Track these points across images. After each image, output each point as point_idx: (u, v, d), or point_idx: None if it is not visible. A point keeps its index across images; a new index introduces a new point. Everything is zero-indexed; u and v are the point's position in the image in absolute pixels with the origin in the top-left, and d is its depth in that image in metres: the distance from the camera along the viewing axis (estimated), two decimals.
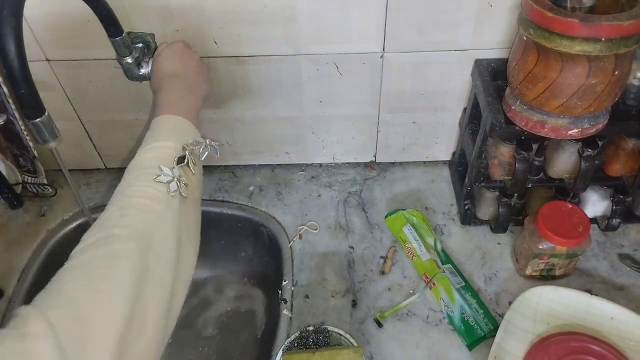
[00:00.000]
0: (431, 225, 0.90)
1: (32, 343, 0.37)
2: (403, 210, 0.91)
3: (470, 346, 0.74)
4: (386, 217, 0.92)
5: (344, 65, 0.84)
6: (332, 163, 1.02)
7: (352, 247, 0.88)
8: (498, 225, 0.86)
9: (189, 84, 0.69)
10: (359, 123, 0.94)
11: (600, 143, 0.75)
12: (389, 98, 0.89)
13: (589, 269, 0.84)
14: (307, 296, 0.82)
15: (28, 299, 0.85)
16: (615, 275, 0.83)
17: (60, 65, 0.84)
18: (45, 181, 0.97)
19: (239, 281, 1.02)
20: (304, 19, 0.77)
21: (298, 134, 0.96)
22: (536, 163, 0.78)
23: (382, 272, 0.84)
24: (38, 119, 0.52)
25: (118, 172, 1.03)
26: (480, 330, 0.75)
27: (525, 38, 0.67)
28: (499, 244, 0.88)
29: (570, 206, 0.78)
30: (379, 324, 0.78)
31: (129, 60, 0.73)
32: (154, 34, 0.78)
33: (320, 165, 1.03)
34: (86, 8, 0.63)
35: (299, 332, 0.75)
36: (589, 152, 0.74)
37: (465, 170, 0.87)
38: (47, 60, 0.83)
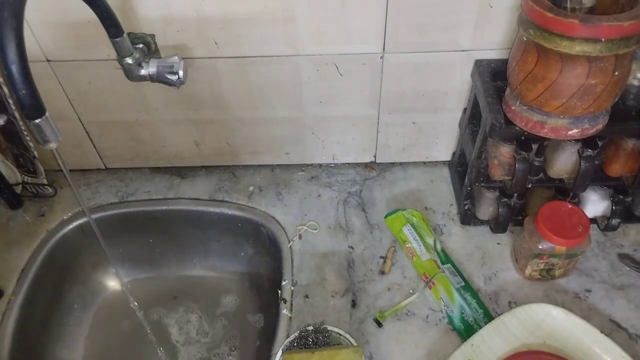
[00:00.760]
0: (431, 226, 0.90)
1: None
2: (403, 210, 0.91)
3: None
4: (386, 217, 0.92)
5: (344, 65, 0.84)
6: (332, 163, 1.03)
7: (351, 247, 0.88)
8: (498, 226, 0.86)
9: None
10: (359, 123, 0.94)
11: (600, 143, 0.75)
12: (389, 98, 0.89)
13: (588, 269, 0.84)
14: (306, 296, 0.82)
15: (27, 299, 0.85)
16: (615, 275, 0.83)
17: (60, 65, 0.84)
18: (45, 181, 0.97)
19: (239, 281, 1.02)
20: (304, 19, 0.77)
21: (298, 134, 0.96)
22: (536, 163, 0.78)
23: (382, 272, 0.85)
24: (38, 120, 0.52)
25: (118, 173, 1.03)
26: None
27: (525, 38, 0.67)
28: (498, 244, 0.88)
29: (570, 206, 0.78)
30: (379, 324, 0.78)
31: (130, 60, 0.73)
32: (154, 35, 0.78)
33: (320, 165, 1.03)
34: (86, 8, 0.63)
35: (298, 331, 0.75)
36: (588, 152, 0.74)
37: (465, 171, 0.87)
38: (48, 60, 0.83)
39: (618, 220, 0.85)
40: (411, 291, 0.82)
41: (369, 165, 1.02)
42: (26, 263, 0.88)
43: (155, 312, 0.99)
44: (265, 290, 0.98)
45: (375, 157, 1.01)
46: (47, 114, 0.53)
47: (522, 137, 0.75)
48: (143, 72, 0.75)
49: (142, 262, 1.03)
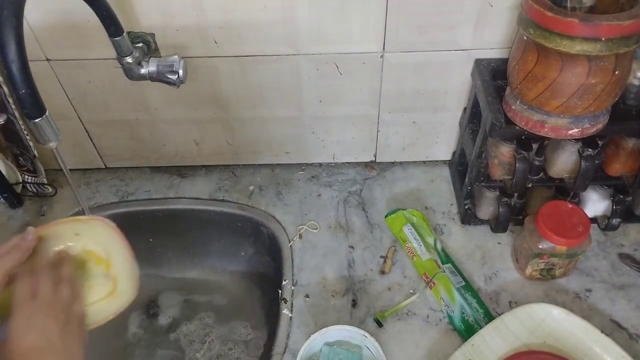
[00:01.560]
0: (431, 225, 0.90)
1: None
2: (403, 210, 0.91)
3: None
4: (386, 216, 0.92)
5: (344, 65, 0.84)
6: (332, 163, 1.02)
7: (352, 247, 0.88)
8: (498, 225, 0.86)
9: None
10: (359, 123, 0.94)
11: (600, 143, 0.75)
12: (389, 98, 0.89)
13: (589, 268, 0.84)
14: (307, 296, 0.82)
15: None
16: (615, 274, 0.83)
17: (60, 65, 0.84)
18: (45, 181, 0.97)
19: (239, 281, 1.02)
20: (304, 19, 0.77)
21: (298, 133, 0.96)
22: (536, 163, 0.78)
23: (382, 272, 0.85)
24: (39, 119, 0.52)
25: (118, 172, 1.03)
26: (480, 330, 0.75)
27: (525, 38, 0.67)
28: (499, 243, 0.88)
29: (570, 206, 0.78)
30: (379, 324, 0.78)
31: (129, 59, 0.73)
32: (154, 34, 0.78)
33: (320, 165, 1.03)
34: (86, 8, 0.63)
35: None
36: (589, 151, 0.74)
37: (465, 170, 0.87)
38: (47, 60, 0.83)
39: (618, 219, 0.85)
40: (411, 291, 0.82)
41: (369, 165, 1.02)
42: None
43: (155, 312, 0.99)
44: (266, 290, 0.98)
45: (375, 156, 1.01)
46: (47, 113, 0.53)
47: (522, 137, 0.74)
48: (143, 71, 0.75)
49: (141, 262, 1.02)
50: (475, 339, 0.72)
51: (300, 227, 0.92)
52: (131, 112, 0.91)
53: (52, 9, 0.76)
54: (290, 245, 0.89)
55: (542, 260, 0.78)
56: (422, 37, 0.79)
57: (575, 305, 0.79)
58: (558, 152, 0.78)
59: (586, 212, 0.77)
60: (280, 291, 0.83)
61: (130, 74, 0.74)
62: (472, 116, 0.86)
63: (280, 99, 0.89)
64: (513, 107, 0.72)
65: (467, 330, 0.75)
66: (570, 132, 0.70)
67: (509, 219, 0.85)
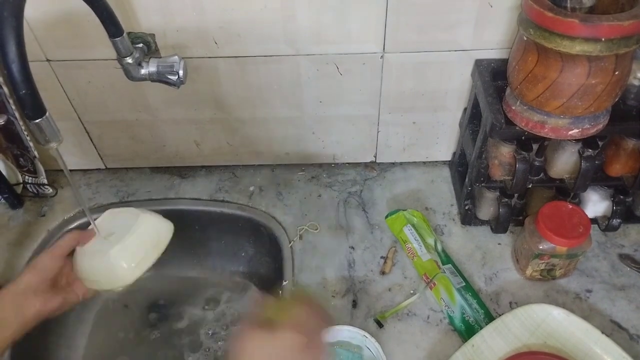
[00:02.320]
0: (431, 226, 0.90)
1: None
2: (403, 210, 0.91)
3: None
4: (386, 217, 0.92)
5: (344, 65, 0.84)
6: (332, 163, 1.02)
7: (352, 247, 0.88)
8: (498, 226, 0.86)
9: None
10: (359, 123, 0.94)
11: (600, 143, 0.75)
12: (389, 98, 0.89)
13: (589, 269, 0.84)
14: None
15: None
16: (615, 275, 0.83)
17: (60, 65, 0.84)
18: (45, 181, 0.97)
19: (239, 281, 1.02)
20: (304, 19, 0.77)
21: (298, 134, 0.96)
22: (536, 163, 0.78)
23: (383, 273, 0.84)
24: (39, 120, 0.52)
25: (118, 172, 1.03)
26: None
27: (525, 38, 0.67)
28: (499, 244, 0.88)
29: (570, 206, 0.78)
30: (380, 325, 0.78)
31: (129, 60, 0.73)
32: (154, 34, 0.78)
33: (321, 165, 1.03)
34: (86, 8, 0.63)
35: None
36: (589, 152, 0.74)
37: (466, 171, 0.87)
38: (47, 60, 0.83)
39: (619, 220, 0.85)
40: (412, 291, 0.82)
41: (369, 165, 1.02)
42: (27, 263, 0.88)
43: (155, 312, 0.99)
44: (266, 290, 0.97)
45: (375, 157, 1.01)
46: (47, 113, 0.53)
47: (523, 137, 0.74)
48: (143, 71, 0.75)
49: None
50: (476, 339, 0.72)
51: (300, 227, 0.92)
52: (131, 112, 0.91)
53: (52, 9, 0.76)
54: (291, 246, 0.89)
55: (543, 261, 0.78)
56: (422, 37, 0.79)
57: (576, 306, 0.79)
58: (558, 152, 0.78)
59: (586, 212, 0.77)
60: (280, 292, 0.83)
61: (130, 74, 0.74)
62: (472, 117, 0.86)
63: (280, 99, 0.89)
64: (513, 108, 0.72)
65: (467, 331, 0.75)
66: (570, 132, 0.70)
67: (509, 219, 0.85)
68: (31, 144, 0.91)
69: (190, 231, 0.99)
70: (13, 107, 0.85)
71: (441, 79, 0.86)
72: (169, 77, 0.76)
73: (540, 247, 0.76)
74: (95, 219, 0.69)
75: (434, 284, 0.80)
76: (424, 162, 1.02)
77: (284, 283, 0.84)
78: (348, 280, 0.84)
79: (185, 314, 0.98)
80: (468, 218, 0.90)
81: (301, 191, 0.98)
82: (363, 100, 0.89)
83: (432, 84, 0.87)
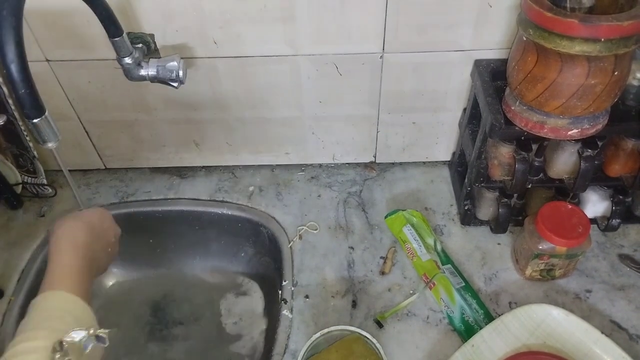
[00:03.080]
0: (431, 226, 0.90)
1: None
2: (403, 210, 0.91)
3: None
4: (386, 217, 0.92)
5: (344, 65, 0.84)
6: (332, 163, 1.02)
7: (352, 248, 0.88)
8: (498, 226, 0.86)
9: (96, 261, 0.61)
10: (358, 123, 0.94)
11: (599, 143, 0.75)
12: (388, 98, 0.89)
13: (589, 269, 0.84)
14: (307, 296, 0.82)
15: (28, 299, 0.85)
16: (615, 275, 0.83)
17: (60, 65, 0.84)
18: (45, 181, 0.97)
19: (239, 281, 1.02)
20: (304, 19, 0.77)
21: (298, 134, 0.96)
22: (536, 163, 0.78)
23: (382, 273, 0.84)
24: (38, 119, 0.52)
25: (118, 172, 1.03)
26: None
27: (524, 38, 0.67)
28: (499, 244, 0.88)
29: (570, 206, 0.78)
30: (379, 325, 0.78)
31: (129, 60, 0.73)
32: (153, 34, 0.78)
33: (320, 165, 1.03)
34: (86, 8, 0.63)
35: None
36: (588, 152, 0.74)
37: (465, 171, 0.87)
38: (47, 60, 0.83)
39: (618, 220, 0.85)
40: (411, 292, 0.82)
41: (369, 165, 1.02)
42: (26, 263, 0.88)
43: (155, 312, 0.99)
44: (266, 290, 0.98)
45: (375, 157, 1.01)
46: (46, 113, 0.53)
47: (522, 137, 0.74)
48: (142, 72, 0.75)
49: (141, 262, 1.03)
50: (475, 339, 0.72)
51: (300, 227, 0.92)
52: (131, 112, 0.91)
53: (52, 9, 0.76)
54: (290, 246, 0.89)
55: (542, 261, 0.78)
56: (422, 37, 0.79)
57: (575, 306, 0.79)
58: (558, 152, 0.78)
59: (586, 212, 0.77)
60: (280, 292, 0.83)
61: (130, 74, 0.74)
62: (472, 117, 0.86)
63: (280, 99, 0.89)
64: (512, 108, 0.72)
65: (467, 331, 0.75)
66: (569, 132, 0.70)
67: (509, 219, 0.85)
68: (31, 143, 0.91)
69: (190, 231, 0.99)
70: (13, 107, 0.85)
71: (441, 79, 0.86)
72: (168, 77, 0.76)
73: (540, 247, 0.76)
74: None
75: (434, 284, 0.80)
76: (424, 162, 1.02)
77: (284, 283, 0.84)
78: (348, 280, 0.84)
79: (184, 314, 0.98)
80: (467, 218, 0.90)
81: (301, 191, 0.98)
82: (363, 100, 0.89)
83: (431, 84, 0.87)
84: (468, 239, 0.89)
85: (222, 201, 0.97)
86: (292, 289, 0.83)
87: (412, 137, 0.97)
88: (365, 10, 0.76)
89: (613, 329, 0.76)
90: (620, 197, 0.84)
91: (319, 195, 0.97)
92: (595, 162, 0.75)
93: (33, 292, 0.86)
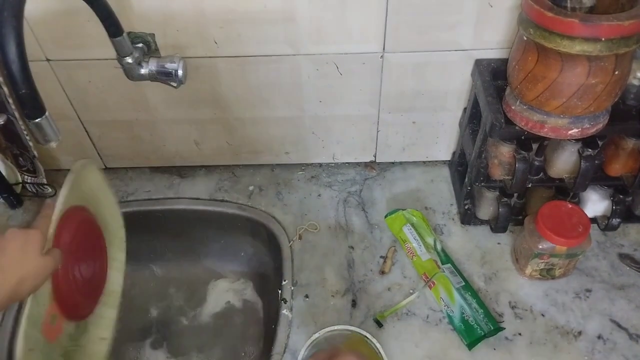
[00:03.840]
0: (431, 225, 0.90)
1: None
2: (403, 210, 0.91)
3: (470, 346, 0.74)
4: (386, 216, 0.92)
5: (344, 65, 0.84)
6: (332, 163, 1.02)
7: (352, 247, 0.88)
8: (498, 225, 0.86)
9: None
10: (359, 123, 0.94)
11: (600, 143, 0.75)
12: (389, 98, 0.89)
13: (589, 268, 0.84)
14: (307, 296, 0.82)
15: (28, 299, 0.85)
16: (615, 275, 0.83)
17: (60, 65, 0.83)
18: (45, 181, 0.97)
19: (239, 281, 1.02)
20: (304, 19, 0.77)
21: (298, 134, 0.96)
22: (536, 163, 0.78)
23: (382, 272, 0.85)
24: (38, 119, 0.52)
25: (118, 172, 1.03)
26: (480, 330, 0.75)
27: (525, 38, 0.67)
28: (498, 243, 0.88)
29: (570, 206, 0.78)
30: (379, 324, 0.78)
31: (129, 60, 0.73)
32: (154, 34, 0.78)
33: (320, 165, 1.03)
34: (86, 8, 0.63)
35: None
36: (589, 152, 0.74)
37: (465, 170, 0.87)
38: (47, 60, 0.83)
39: (618, 220, 0.85)
40: (411, 291, 0.82)
41: (369, 165, 1.02)
42: None
43: (154, 311, 0.99)
44: (265, 290, 0.98)
45: (375, 156, 1.01)
46: (46, 113, 0.53)
47: (522, 137, 0.74)
48: (143, 71, 0.74)
49: (141, 262, 1.03)
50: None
51: (300, 227, 0.92)
52: (131, 112, 0.91)
53: (52, 9, 0.76)
54: (290, 246, 0.89)
55: (542, 261, 0.78)
56: (422, 37, 0.79)
57: (575, 305, 0.79)
58: (558, 152, 0.78)
59: (586, 212, 0.78)
60: (280, 291, 0.83)
61: (130, 74, 0.74)
62: (472, 116, 0.86)
63: (280, 99, 0.89)
64: (513, 108, 0.72)
65: (467, 331, 0.75)
66: (570, 132, 0.70)
67: (509, 219, 0.85)
68: (31, 143, 0.91)
69: (190, 231, 0.99)
70: (13, 106, 0.85)
71: (441, 79, 0.86)
72: (168, 77, 0.76)
73: (540, 247, 0.76)
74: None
75: (433, 283, 0.80)
76: (424, 162, 1.02)
77: (284, 283, 0.84)
78: (347, 280, 0.84)
79: (184, 313, 0.98)
80: (467, 218, 0.90)
81: (301, 191, 0.98)
82: (363, 100, 0.89)
83: (432, 84, 0.87)
84: (468, 238, 0.89)
85: (222, 200, 0.97)
86: (292, 288, 0.83)
87: (412, 137, 0.97)
88: (365, 9, 0.76)
89: (613, 329, 0.76)
90: (621, 196, 0.84)
91: (319, 195, 0.97)
92: (596, 162, 0.75)
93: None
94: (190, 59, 0.82)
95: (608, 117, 0.72)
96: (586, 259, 0.85)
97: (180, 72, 0.75)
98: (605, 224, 0.86)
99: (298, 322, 0.79)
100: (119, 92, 0.88)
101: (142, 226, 0.98)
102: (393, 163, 1.02)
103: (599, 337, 0.75)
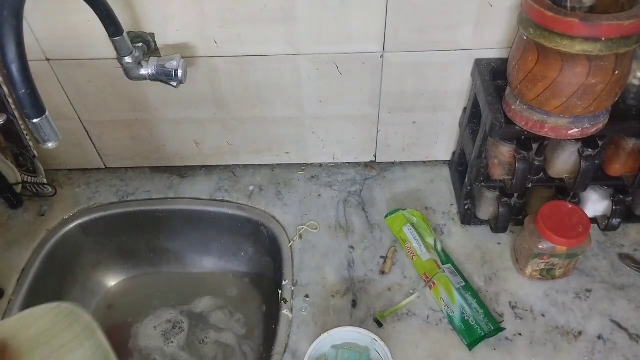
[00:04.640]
0: (431, 225, 0.90)
1: None
2: (403, 210, 0.91)
3: (471, 346, 0.74)
4: (386, 217, 0.92)
5: (344, 65, 0.83)
6: (332, 163, 1.02)
7: (352, 247, 0.88)
8: (498, 225, 0.86)
9: None
10: (359, 123, 0.94)
11: (600, 143, 0.75)
12: (389, 98, 0.89)
13: (589, 268, 0.84)
14: (307, 296, 0.82)
15: (28, 298, 0.85)
16: (615, 275, 0.83)
17: (60, 65, 0.84)
18: (45, 181, 0.97)
19: (239, 281, 1.02)
20: (304, 19, 0.77)
21: (298, 133, 0.96)
22: (536, 163, 0.78)
23: (382, 272, 0.84)
24: (38, 119, 0.52)
25: (118, 172, 1.03)
26: (480, 330, 0.75)
27: (525, 38, 0.67)
28: (499, 243, 0.88)
29: (570, 206, 0.78)
30: (379, 324, 0.78)
31: (129, 60, 0.73)
32: (154, 34, 0.78)
33: (320, 165, 1.03)
34: (86, 7, 0.63)
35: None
36: (589, 152, 0.74)
37: (465, 170, 0.87)
38: (47, 59, 0.83)
39: (618, 220, 0.85)
40: (411, 291, 0.82)
41: (369, 165, 1.02)
42: (26, 263, 0.88)
43: (154, 311, 0.99)
44: (266, 290, 0.98)
45: (375, 156, 1.01)
46: (46, 113, 0.53)
47: (522, 137, 0.74)
48: (143, 71, 0.75)
49: (141, 262, 1.03)
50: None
51: (300, 227, 0.92)
52: (131, 112, 0.91)
53: (52, 9, 0.76)
54: (290, 246, 0.89)
55: (542, 261, 0.78)
56: (422, 37, 0.79)
57: (575, 306, 0.79)
58: (558, 152, 0.78)
59: (586, 212, 0.77)
60: (280, 291, 0.83)
61: (130, 74, 0.74)
62: (472, 116, 0.86)
63: (280, 99, 0.89)
64: (513, 107, 0.72)
65: (467, 331, 0.75)
66: (570, 132, 0.70)
67: (509, 219, 0.85)
68: (31, 143, 0.91)
69: (190, 231, 0.99)
70: (13, 106, 0.85)
71: (441, 79, 0.86)
72: (168, 76, 0.76)
73: (540, 247, 0.76)
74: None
75: (434, 283, 0.80)
76: (424, 162, 1.02)
77: (284, 282, 0.84)
78: (348, 280, 0.84)
79: (184, 313, 0.98)
80: (468, 218, 0.90)
81: (301, 191, 0.98)
82: (363, 99, 0.89)
83: (432, 84, 0.87)
84: (468, 238, 0.89)
85: (222, 200, 0.97)
86: (292, 288, 0.83)
87: (412, 137, 0.97)
88: (365, 9, 0.76)
89: (613, 329, 0.76)
90: (621, 196, 0.84)
91: (319, 195, 0.97)
92: (596, 162, 0.75)
93: (33, 291, 0.86)
94: (191, 58, 0.82)
95: (608, 117, 0.72)
96: (586, 259, 0.85)
97: (180, 72, 0.75)
98: (605, 224, 0.86)
99: (298, 322, 0.79)
100: (119, 92, 0.88)
101: (142, 226, 0.99)
102: (393, 163, 1.02)
103: (599, 337, 0.75)
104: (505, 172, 0.81)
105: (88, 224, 0.96)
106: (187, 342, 0.95)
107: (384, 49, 0.81)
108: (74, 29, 0.78)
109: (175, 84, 0.76)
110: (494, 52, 0.82)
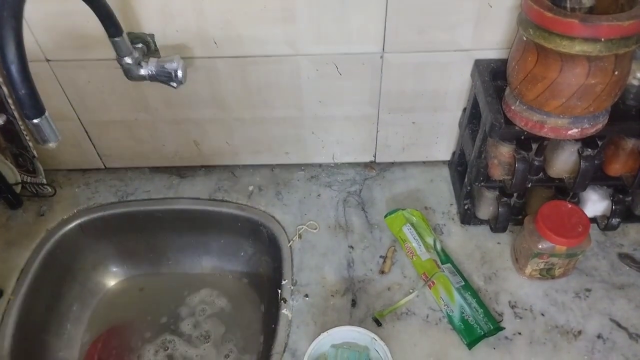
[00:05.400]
0: (431, 225, 0.90)
1: None
2: (402, 210, 0.91)
3: (470, 345, 0.74)
4: (386, 216, 0.92)
5: (344, 65, 0.84)
6: (331, 163, 1.03)
7: (351, 247, 0.88)
8: (498, 225, 0.86)
9: None
10: (358, 123, 0.94)
11: (600, 143, 0.75)
12: (388, 98, 0.89)
13: (588, 268, 0.84)
14: (306, 295, 0.82)
15: (27, 298, 0.85)
16: (615, 274, 0.83)
17: (60, 65, 0.83)
18: (44, 181, 0.97)
19: (239, 281, 1.02)
20: (304, 19, 0.77)
21: (298, 134, 0.96)
22: (536, 163, 0.78)
23: (382, 272, 0.85)
24: (38, 119, 0.52)
25: (117, 172, 1.03)
26: (479, 330, 0.75)
27: (525, 38, 0.67)
28: (498, 243, 0.88)
29: (570, 206, 0.78)
30: (378, 323, 0.78)
31: (129, 60, 0.73)
32: (153, 34, 0.78)
33: (320, 165, 1.03)
34: (86, 8, 0.63)
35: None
36: (588, 152, 0.74)
37: (465, 170, 0.87)
38: (47, 60, 0.83)
39: (618, 219, 0.85)
40: (411, 291, 0.82)
41: (368, 165, 1.02)
42: (26, 263, 0.88)
43: (154, 311, 0.99)
44: (265, 290, 0.98)
45: (375, 156, 1.01)
46: (46, 113, 0.53)
47: (522, 137, 0.74)
48: (142, 71, 0.74)
49: (141, 262, 1.03)
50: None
51: (299, 227, 0.92)
52: (131, 112, 0.91)
53: (51, 10, 0.76)
54: (290, 245, 0.89)
55: (542, 260, 0.78)
56: (422, 37, 0.79)
57: (575, 305, 0.79)
58: (558, 152, 0.78)
59: (586, 212, 0.78)
60: (279, 291, 0.83)
61: (130, 74, 0.74)
62: (472, 116, 0.86)
63: (280, 99, 0.89)
64: (513, 108, 0.72)
65: (466, 330, 0.75)
66: (569, 132, 0.70)
67: (509, 219, 0.85)
68: (30, 143, 0.91)
69: (190, 231, 0.99)
70: (12, 107, 0.85)
71: (441, 79, 0.86)
72: (168, 77, 0.76)
73: (540, 247, 0.76)
74: None
75: (433, 283, 0.80)
76: (424, 162, 1.02)
77: (283, 282, 0.84)
78: (347, 279, 0.84)
79: (183, 313, 0.98)
80: (467, 217, 0.90)
81: (300, 191, 0.98)
82: (363, 100, 0.89)
83: (431, 84, 0.87)
84: (468, 238, 0.89)
85: (221, 200, 0.97)
86: (292, 288, 0.83)
87: (412, 137, 0.97)
88: (365, 10, 0.76)
89: (613, 328, 0.76)
90: (620, 196, 0.84)
91: (319, 195, 0.97)
92: (595, 162, 0.75)
93: (32, 291, 0.86)
94: (190, 59, 0.82)
95: (608, 117, 0.72)
96: (586, 259, 0.85)
97: (180, 73, 0.75)
98: (605, 223, 0.86)
99: (298, 322, 0.79)
100: (119, 92, 0.88)
101: (142, 226, 0.99)
102: (393, 163, 1.02)
103: (599, 336, 0.75)
104: (505, 172, 0.81)
105: (87, 224, 0.96)
106: (186, 342, 0.95)
107: (383, 49, 0.81)
108: (73, 30, 0.78)
109: (175, 84, 0.76)
110: (493, 53, 0.82)
